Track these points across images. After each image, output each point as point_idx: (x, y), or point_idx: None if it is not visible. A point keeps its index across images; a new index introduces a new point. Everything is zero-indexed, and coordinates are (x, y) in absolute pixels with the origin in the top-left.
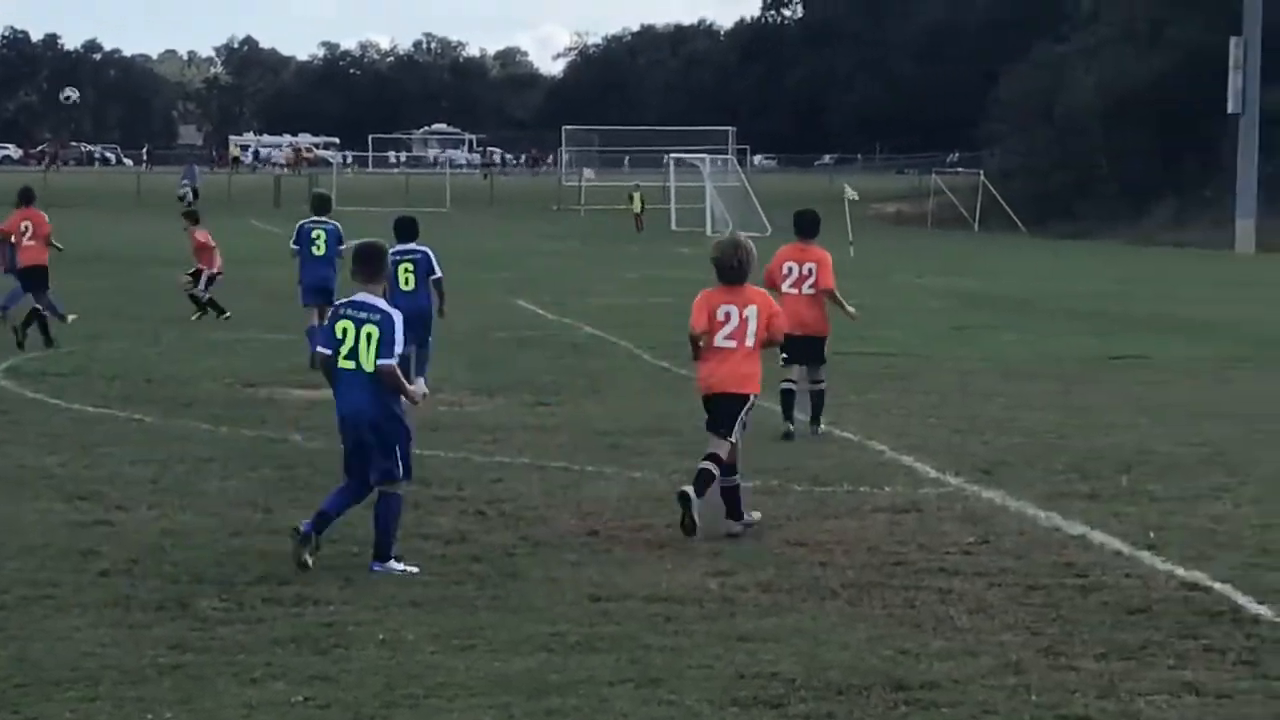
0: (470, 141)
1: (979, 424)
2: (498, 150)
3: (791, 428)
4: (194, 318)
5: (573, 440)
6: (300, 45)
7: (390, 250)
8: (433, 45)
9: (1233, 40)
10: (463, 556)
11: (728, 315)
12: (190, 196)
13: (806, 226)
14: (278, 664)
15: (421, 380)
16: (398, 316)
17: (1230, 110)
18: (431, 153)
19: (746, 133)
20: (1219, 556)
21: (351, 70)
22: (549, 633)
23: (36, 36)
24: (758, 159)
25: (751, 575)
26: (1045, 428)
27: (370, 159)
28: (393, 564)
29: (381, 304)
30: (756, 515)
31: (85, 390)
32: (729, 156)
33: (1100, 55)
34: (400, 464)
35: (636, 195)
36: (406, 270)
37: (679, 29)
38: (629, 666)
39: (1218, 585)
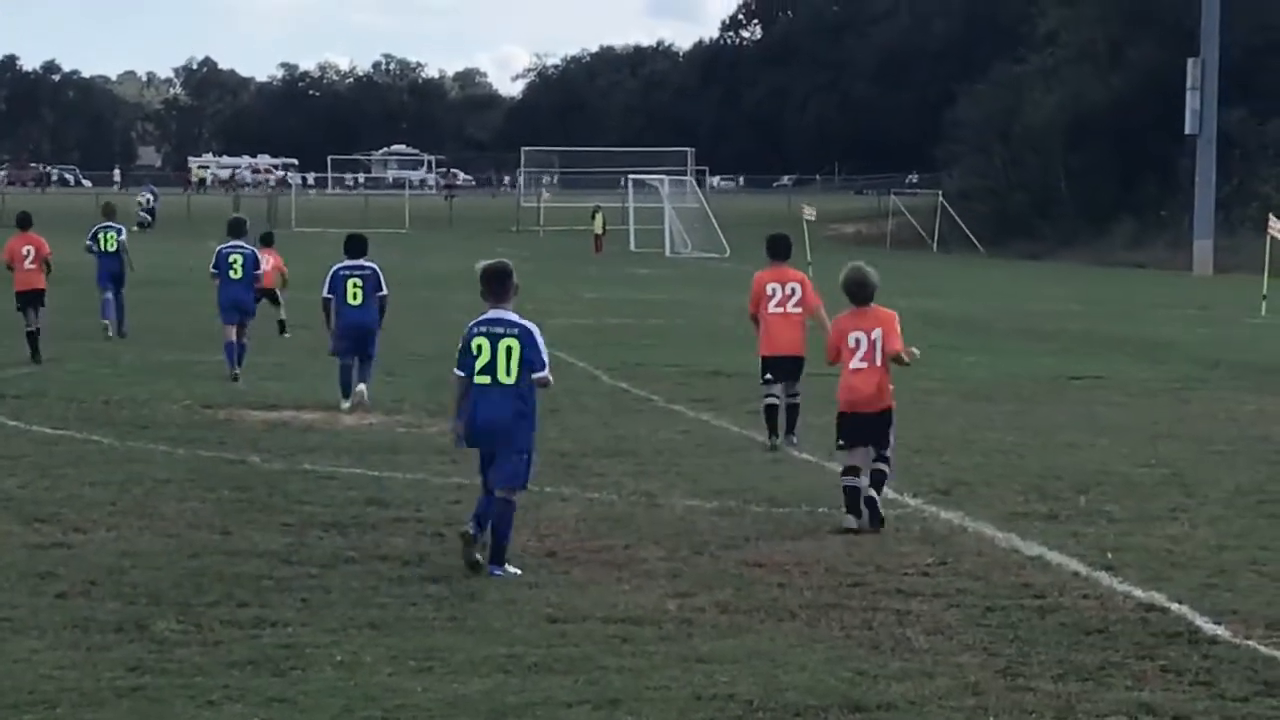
0: (429, 162)
1: (938, 444)
2: (459, 171)
3: (777, 441)
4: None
5: None
6: (259, 66)
7: (339, 266)
8: (391, 66)
9: (1190, 62)
10: (420, 578)
11: (858, 342)
12: (148, 219)
13: (780, 249)
14: (235, 686)
15: (363, 386)
16: (535, 328)
17: (1188, 131)
18: (390, 174)
19: (705, 154)
20: (1176, 577)
21: (311, 91)
22: (506, 654)
23: None
24: (717, 180)
25: (710, 596)
26: (1004, 448)
27: (329, 180)
28: (509, 568)
29: (516, 318)
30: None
31: (44, 412)
32: (688, 178)
33: (1058, 76)
34: (526, 472)
35: (598, 216)
36: (355, 285)
37: (638, 50)
38: (586, 688)
39: (1175, 606)
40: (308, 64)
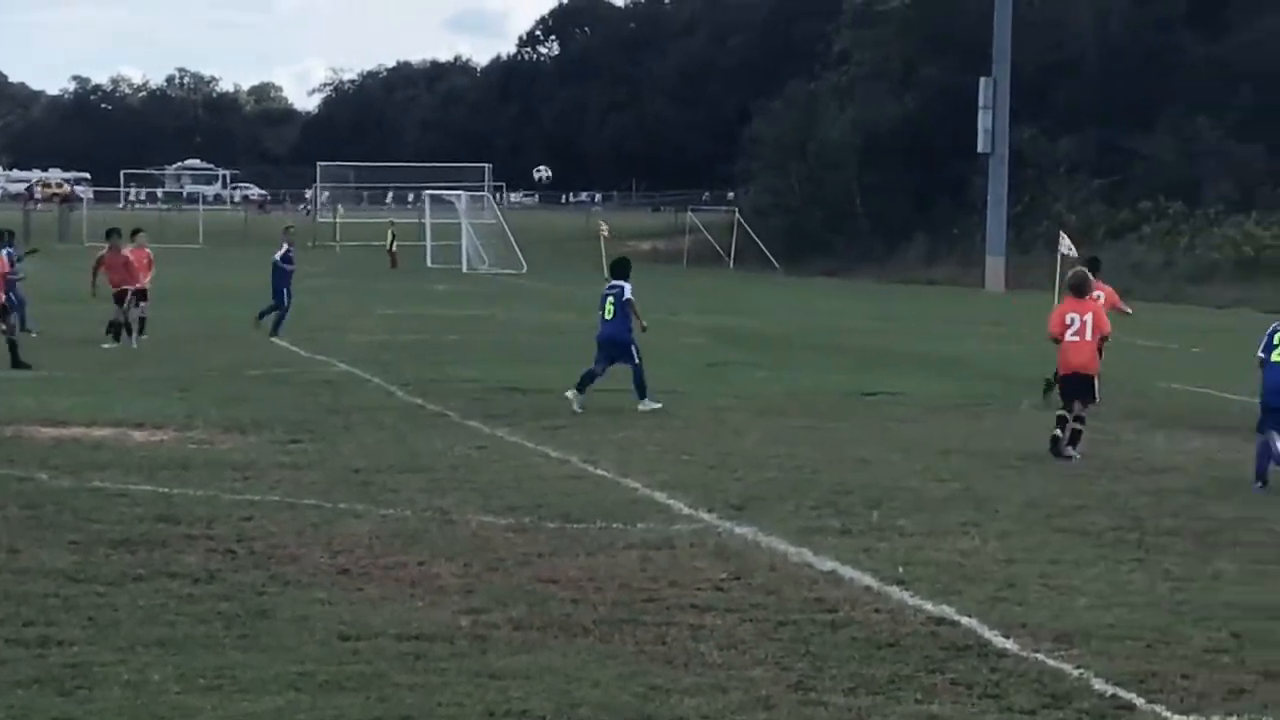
0: (224, 177)
1: (733, 460)
2: (253, 186)
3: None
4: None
5: (325, 478)
6: (50, 79)
7: None
8: (185, 80)
9: (982, 81)
10: (211, 595)
11: (1072, 320)
12: None
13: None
14: (20, 707)
15: None
16: None
17: (980, 149)
18: (185, 188)
19: (503, 170)
20: (966, 591)
21: (103, 105)
22: (297, 672)
23: None
24: (514, 196)
25: (503, 612)
26: (798, 464)
27: (121, 194)
28: None
29: None
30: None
31: None
32: (485, 194)
33: (853, 94)
34: None
35: (390, 232)
36: None
37: (435, 65)
38: (378, 705)
39: (964, 619)
40: (100, 78)
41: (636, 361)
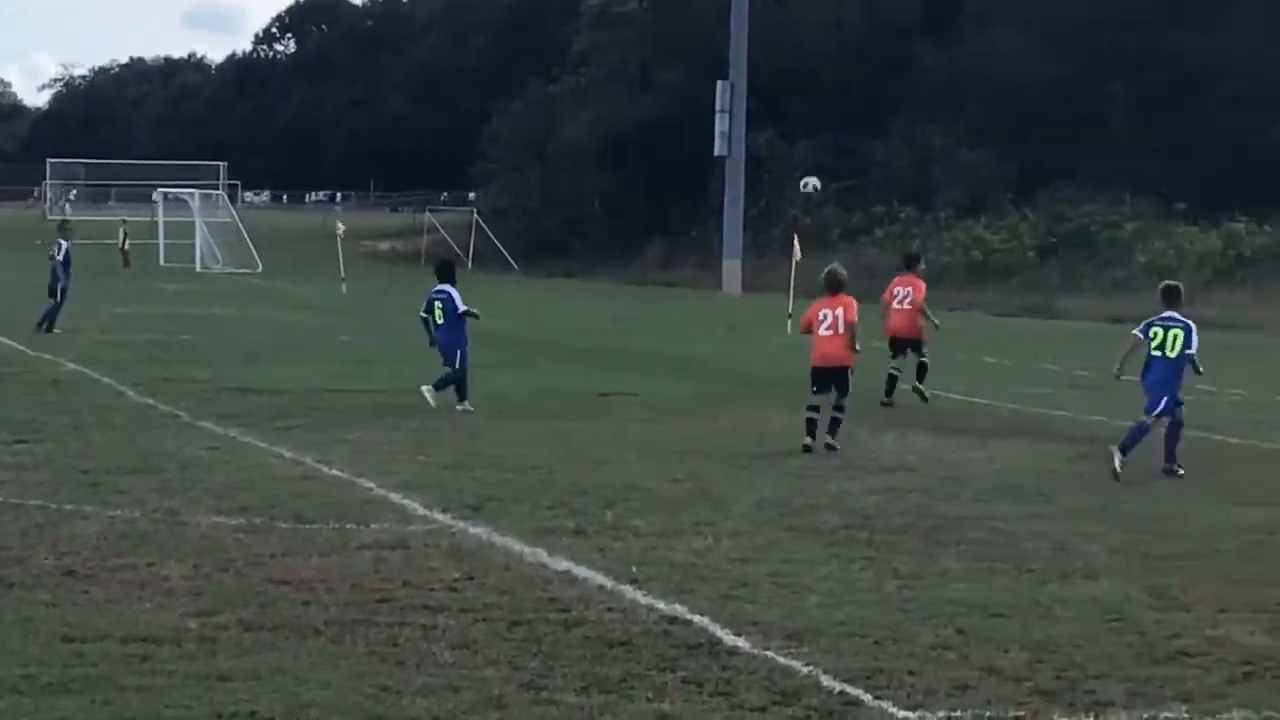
0: None
1: (469, 460)
2: None
3: None
4: None
5: (52, 478)
6: None
7: None
8: None
9: (719, 84)
10: None
11: (825, 315)
12: None
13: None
14: None
15: None
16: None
17: (717, 153)
18: None
19: (239, 168)
20: (699, 590)
21: None
22: (20, 674)
23: None
24: (250, 195)
25: (233, 614)
26: (535, 464)
27: None
28: None
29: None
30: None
31: None
32: (219, 192)
33: (592, 96)
34: None
35: (122, 230)
36: None
37: (169, 62)
38: (102, 708)
39: (697, 618)
40: None
41: (458, 366)
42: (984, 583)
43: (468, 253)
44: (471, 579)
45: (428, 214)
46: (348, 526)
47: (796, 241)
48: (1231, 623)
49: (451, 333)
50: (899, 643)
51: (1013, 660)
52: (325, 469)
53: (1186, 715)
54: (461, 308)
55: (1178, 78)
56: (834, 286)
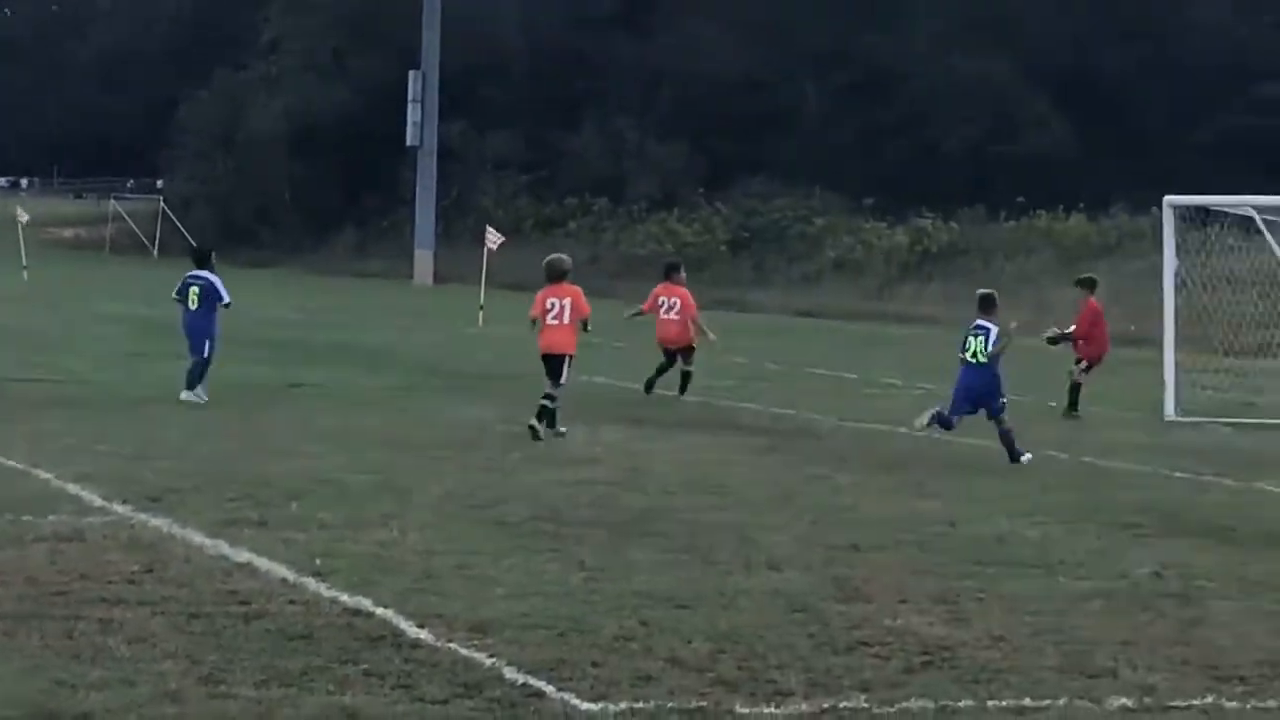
0: None
1: (152, 451)
2: None
3: None
4: None
5: None
6: None
7: None
8: None
9: (411, 74)
10: None
11: (553, 304)
12: None
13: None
14: None
15: None
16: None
17: (409, 143)
18: None
19: None
20: (383, 582)
21: None
22: None
23: None
24: None
25: None
26: (219, 455)
27: None
28: None
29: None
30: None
31: None
32: None
33: (283, 84)
34: None
35: None
36: None
37: None
38: None
39: (380, 610)
40: None
41: (205, 355)
42: (669, 574)
43: (154, 241)
44: (150, 571)
45: (113, 201)
46: (24, 519)
47: (490, 232)
48: (911, 613)
49: (203, 320)
50: (583, 634)
51: (696, 651)
52: (1, 460)
53: (865, 705)
54: (226, 298)
55: (867, 77)
56: (555, 276)
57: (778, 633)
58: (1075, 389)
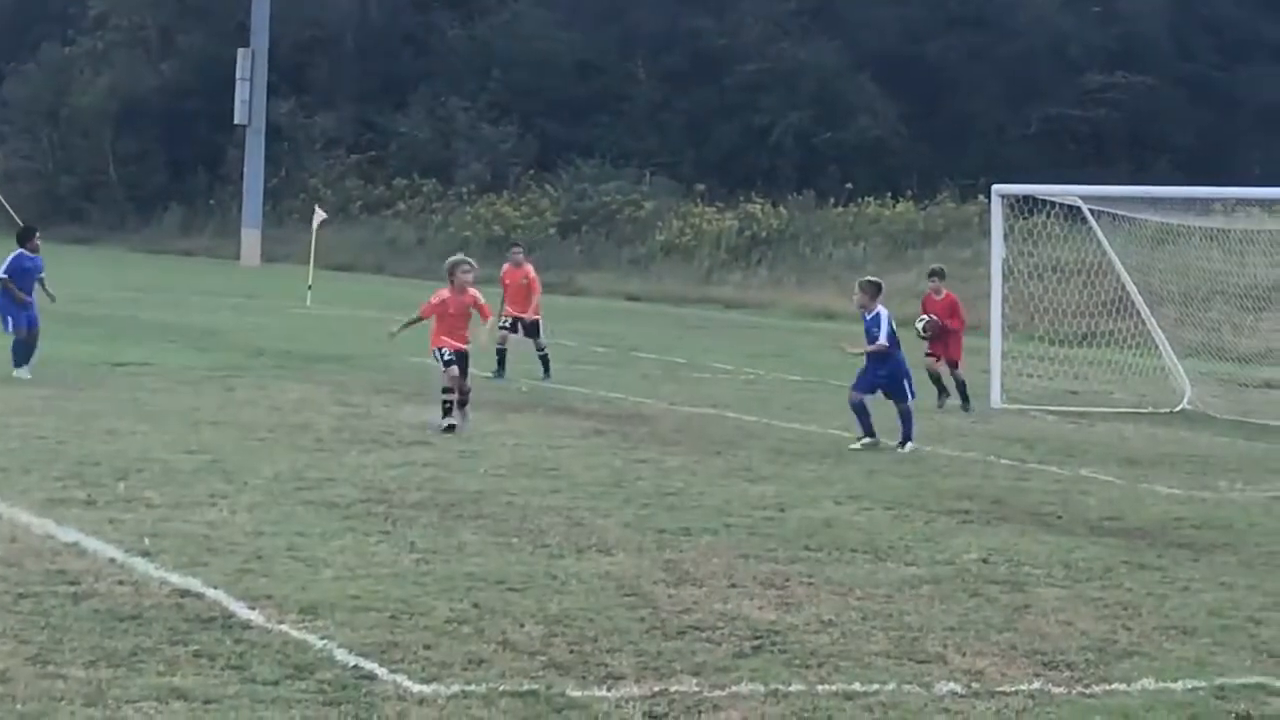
0: None
1: None
2: None
3: None
4: None
5: None
6: None
7: None
8: None
9: (240, 52)
10: None
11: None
12: None
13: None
14: None
15: None
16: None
17: (237, 121)
18: None
19: None
20: (213, 563)
21: None
22: None
23: None
24: None
25: None
26: (43, 435)
27: None
28: None
29: None
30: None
31: None
32: None
33: (109, 60)
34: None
35: None
36: None
37: None
38: None
39: (210, 591)
40: None
41: (9, 330)
42: (500, 557)
43: None
44: None
45: None
46: None
47: (318, 210)
48: (742, 597)
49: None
50: (415, 616)
51: (528, 634)
52: None
53: (697, 688)
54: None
55: (697, 60)
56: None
57: (609, 616)
58: (962, 385)
